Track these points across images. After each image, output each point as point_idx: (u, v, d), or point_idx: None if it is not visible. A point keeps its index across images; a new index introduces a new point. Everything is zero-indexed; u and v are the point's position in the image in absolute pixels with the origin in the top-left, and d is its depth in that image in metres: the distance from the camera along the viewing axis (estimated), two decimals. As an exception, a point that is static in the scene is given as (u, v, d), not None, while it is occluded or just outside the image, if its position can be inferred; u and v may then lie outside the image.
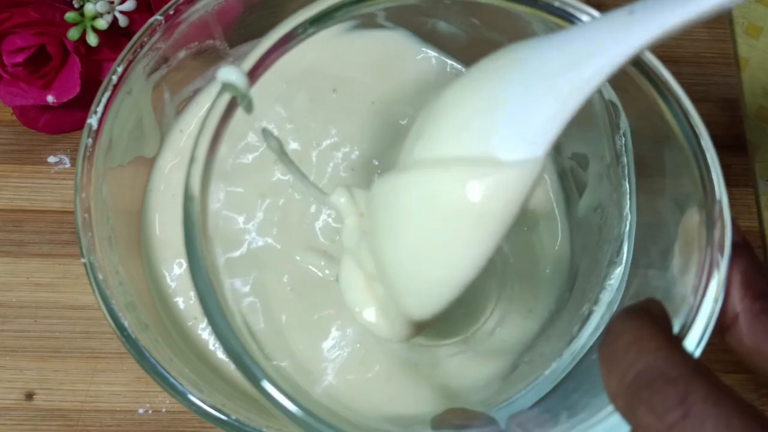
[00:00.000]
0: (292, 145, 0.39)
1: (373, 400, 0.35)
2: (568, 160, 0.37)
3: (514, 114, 0.22)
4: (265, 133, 0.30)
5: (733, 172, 0.44)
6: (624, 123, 0.31)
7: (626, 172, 0.31)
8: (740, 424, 0.19)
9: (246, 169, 0.38)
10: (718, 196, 0.25)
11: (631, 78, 0.27)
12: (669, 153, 0.28)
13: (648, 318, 0.23)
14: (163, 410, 0.37)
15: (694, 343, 0.24)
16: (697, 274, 0.25)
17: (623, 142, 0.31)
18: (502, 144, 0.21)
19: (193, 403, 0.30)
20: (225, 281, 0.25)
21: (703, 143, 0.25)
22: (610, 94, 0.32)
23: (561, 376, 0.31)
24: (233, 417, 0.30)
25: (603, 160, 0.33)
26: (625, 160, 0.31)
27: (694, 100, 0.26)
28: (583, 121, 0.34)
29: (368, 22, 0.39)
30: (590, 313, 0.31)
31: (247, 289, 0.36)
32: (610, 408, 0.24)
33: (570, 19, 0.27)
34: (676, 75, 0.48)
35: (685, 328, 0.24)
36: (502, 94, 0.22)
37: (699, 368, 0.20)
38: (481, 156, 0.22)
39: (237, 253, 0.37)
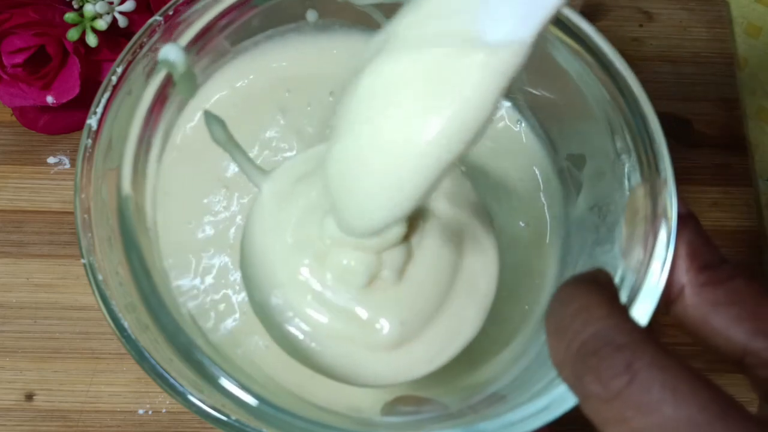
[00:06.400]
0: (288, 152, 0.38)
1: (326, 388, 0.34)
2: (564, 161, 0.37)
3: None
4: (208, 117, 0.26)
5: (733, 171, 0.44)
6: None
7: (629, 172, 0.31)
8: (687, 388, 0.18)
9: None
10: (662, 168, 0.24)
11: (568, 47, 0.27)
12: (610, 120, 0.28)
13: (595, 286, 0.22)
14: (164, 411, 0.37)
15: (640, 313, 0.24)
16: (643, 245, 0.25)
17: (625, 139, 0.31)
18: (488, 20, 0.20)
19: (193, 404, 0.30)
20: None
21: (643, 108, 0.25)
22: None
23: None
24: (233, 417, 0.30)
25: (607, 157, 0.33)
26: (625, 159, 0.31)
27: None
28: (578, 114, 0.34)
29: (367, 24, 0.39)
30: None
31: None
32: (556, 379, 0.24)
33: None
34: (676, 75, 0.48)
35: (631, 298, 0.24)
36: None
37: (646, 336, 0.20)
38: (463, 32, 0.20)
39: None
